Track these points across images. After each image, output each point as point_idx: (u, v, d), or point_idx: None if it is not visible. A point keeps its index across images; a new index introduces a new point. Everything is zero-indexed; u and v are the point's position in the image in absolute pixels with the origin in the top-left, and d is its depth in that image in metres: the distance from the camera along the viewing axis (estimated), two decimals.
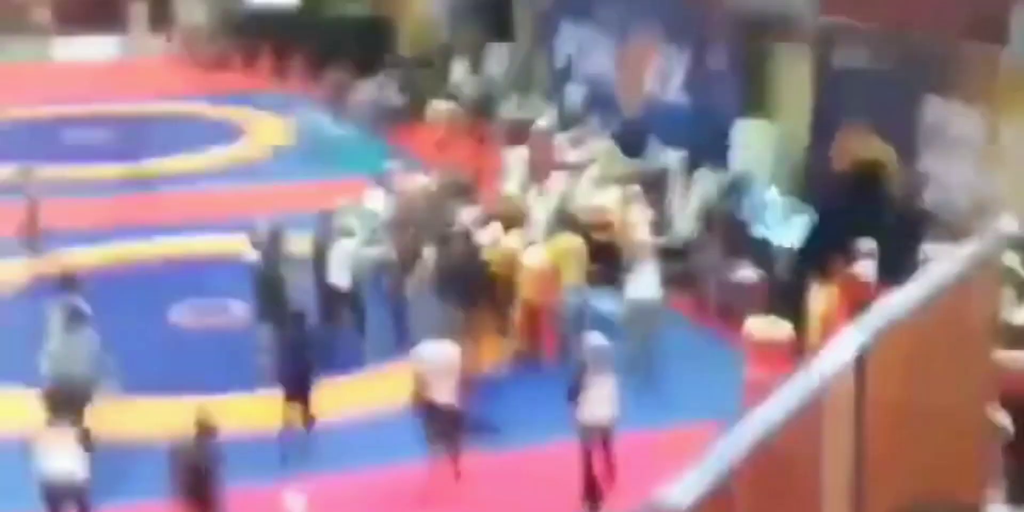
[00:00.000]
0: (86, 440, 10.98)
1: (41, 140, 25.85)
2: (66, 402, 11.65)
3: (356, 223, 16.03)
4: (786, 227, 16.69)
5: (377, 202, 17.23)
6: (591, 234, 16.82)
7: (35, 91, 29.37)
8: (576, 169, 19.65)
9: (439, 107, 24.21)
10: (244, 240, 15.66)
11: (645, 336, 14.41)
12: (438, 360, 12.16)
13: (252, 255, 15.31)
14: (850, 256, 14.22)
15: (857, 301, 12.97)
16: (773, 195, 17.45)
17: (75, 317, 12.84)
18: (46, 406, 11.67)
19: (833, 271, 13.97)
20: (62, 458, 10.77)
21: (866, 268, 14.02)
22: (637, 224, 16.79)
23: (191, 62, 34.68)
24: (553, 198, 17.75)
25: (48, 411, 11.46)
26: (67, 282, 13.66)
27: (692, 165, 18.97)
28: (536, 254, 14.97)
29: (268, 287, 14.92)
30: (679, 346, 14.99)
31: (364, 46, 31.00)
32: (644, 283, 14.78)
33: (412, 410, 12.31)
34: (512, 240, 15.67)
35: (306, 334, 13.26)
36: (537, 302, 14.94)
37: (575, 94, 24.38)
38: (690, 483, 4.12)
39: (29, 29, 35.88)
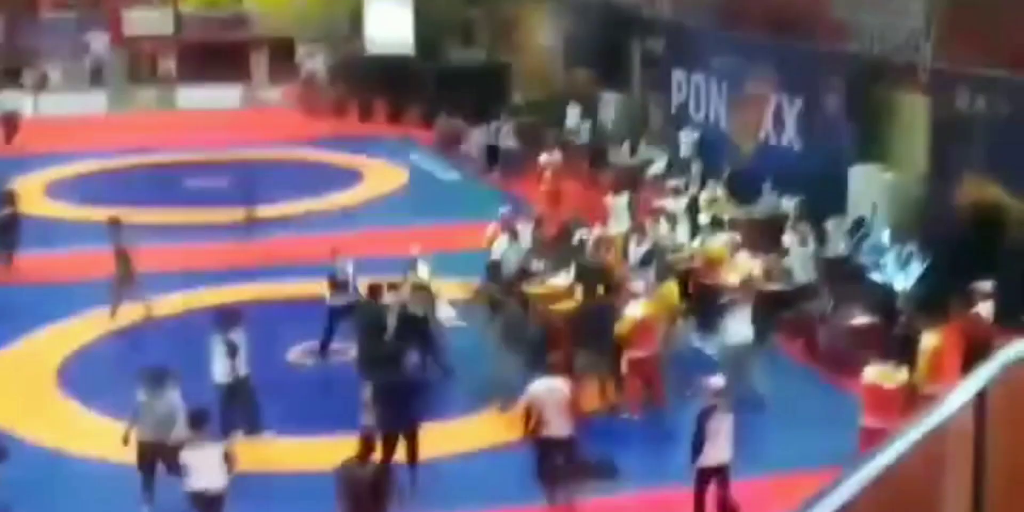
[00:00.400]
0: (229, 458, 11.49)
1: (165, 185, 26.61)
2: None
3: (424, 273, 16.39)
4: (902, 271, 16.55)
5: (501, 244, 17.59)
6: (689, 279, 16.98)
7: (160, 138, 30.21)
8: (677, 214, 19.67)
9: (552, 154, 24.42)
10: (330, 282, 16.18)
11: (743, 379, 14.37)
12: (553, 396, 12.22)
13: (341, 298, 15.80)
14: (969, 299, 14.02)
15: (977, 343, 12.82)
16: (889, 240, 17.31)
17: (232, 350, 13.69)
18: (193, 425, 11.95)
19: (951, 314, 13.79)
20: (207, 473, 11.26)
21: (985, 310, 13.82)
22: (738, 269, 16.79)
23: (309, 110, 35.44)
24: (647, 243, 17.85)
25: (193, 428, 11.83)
26: (228, 318, 14.10)
27: (807, 210, 18.88)
28: (637, 305, 14.91)
29: (370, 330, 15.29)
30: (789, 391, 14.89)
31: (479, 92, 31.42)
32: (737, 327, 14.90)
33: (527, 446, 12.36)
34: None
35: (407, 376, 13.43)
36: (641, 350, 14.85)
37: (687, 140, 24.43)
38: None
39: (156, 78, 37.07)
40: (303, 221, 23.42)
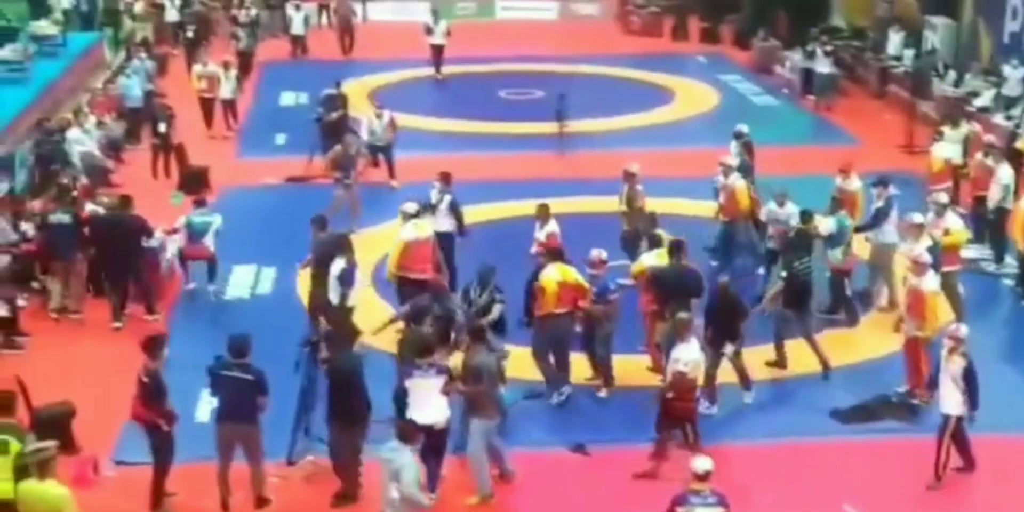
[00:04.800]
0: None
1: (480, 95, 27.22)
2: None
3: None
4: None
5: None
6: None
7: (478, 48, 30.86)
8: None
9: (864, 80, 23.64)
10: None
11: None
12: None
13: None
14: None
15: None
16: None
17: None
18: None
19: None
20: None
21: None
22: None
23: (624, 27, 35.43)
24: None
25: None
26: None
27: None
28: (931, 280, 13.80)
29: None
30: None
31: (797, 13, 30.64)
32: None
33: None
34: None
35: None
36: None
37: (1015, 74, 23.13)
38: None
39: None
40: (613, 138, 23.56)
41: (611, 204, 17.11)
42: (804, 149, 22.71)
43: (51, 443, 9.70)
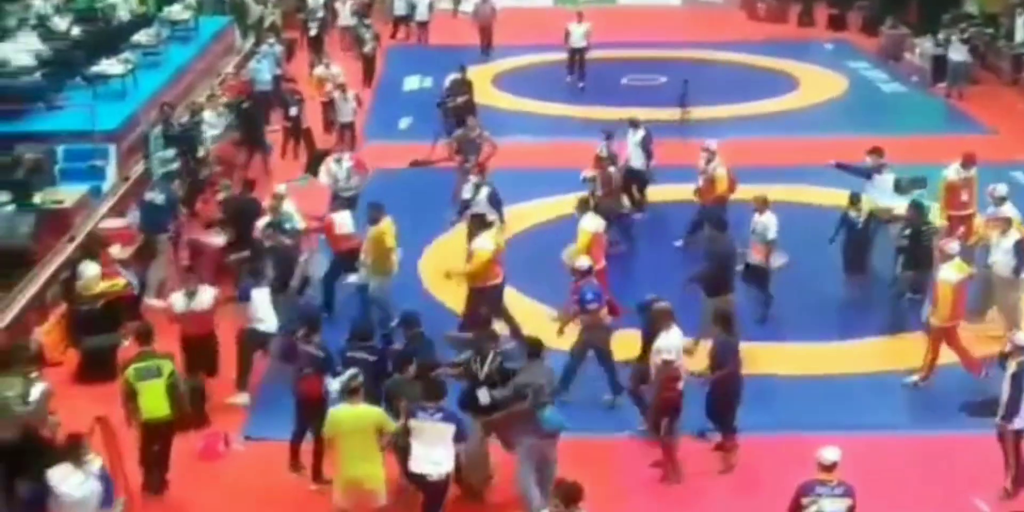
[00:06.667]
0: None
1: (603, 81, 27.13)
2: None
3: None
4: None
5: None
6: None
7: (601, 36, 30.76)
8: None
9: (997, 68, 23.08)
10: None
11: None
12: None
13: None
14: None
15: None
16: None
17: None
18: None
19: None
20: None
21: None
22: None
23: (749, 13, 35.07)
24: None
25: None
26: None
27: None
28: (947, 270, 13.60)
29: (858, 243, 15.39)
30: None
31: (928, 1, 30.03)
32: None
33: None
34: None
35: None
36: None
37: None
38: None
39: None
40: (736, 125, 23.35)
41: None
42: (936, 138, 22.26)
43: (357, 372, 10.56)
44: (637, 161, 18.19)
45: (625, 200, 17.92)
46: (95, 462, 9.51)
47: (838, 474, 9.34)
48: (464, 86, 22.13)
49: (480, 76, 25.43)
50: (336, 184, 17.19)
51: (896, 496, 11.19)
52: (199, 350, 12.93)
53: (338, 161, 17.52)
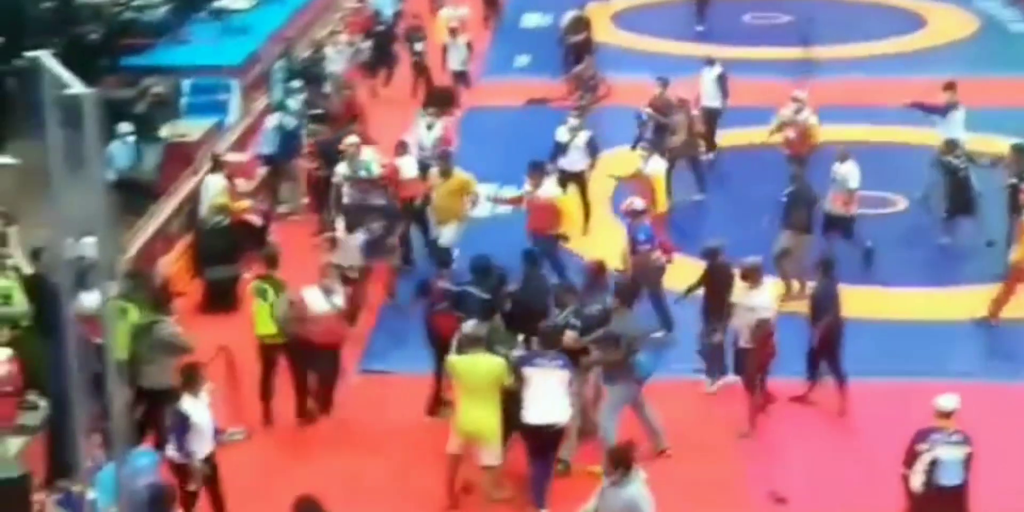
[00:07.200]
0: None
1: (726, 19, 26.64)
2: None
3: None
4: None
5: None
6: None
7: None
8: None
9: None
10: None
11: None
12: None
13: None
14: None
15: None
16: None
17: None
18: None
19: None
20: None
21: None
22: None
23: None
24: None
25: None
26: None
27: None
28: None
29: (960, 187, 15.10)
30: None
31: None
32: None
33: None
34: None
35: None
36: None
37: None
38: None
39: None
40: (861, 64, 22.87)
41: (856, 132, 16.68)
42: None
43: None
44: (714, 100, 17.89)
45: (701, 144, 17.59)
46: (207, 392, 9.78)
47: (955, 422, 9.24)
48: (582, 24, 21.97)
49: (599, 14, 25.19)
50: (420, 152, 16.03)
51: (1010, 447, 11.04)
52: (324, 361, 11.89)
53: (429, 127, 16.54)
